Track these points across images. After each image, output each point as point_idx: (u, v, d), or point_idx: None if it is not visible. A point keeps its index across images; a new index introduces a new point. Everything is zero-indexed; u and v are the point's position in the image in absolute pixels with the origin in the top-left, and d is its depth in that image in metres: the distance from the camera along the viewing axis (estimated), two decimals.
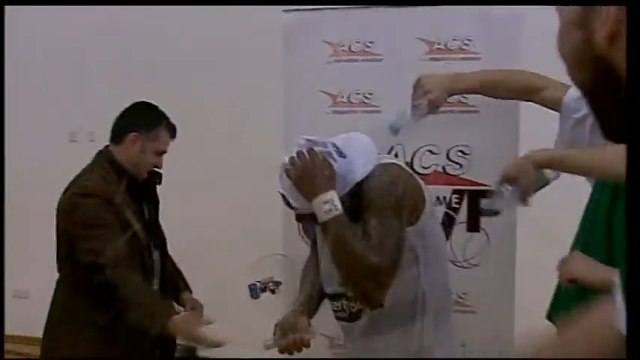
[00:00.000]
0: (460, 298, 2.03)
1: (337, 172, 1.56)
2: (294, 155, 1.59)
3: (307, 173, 1.54)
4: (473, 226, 2.07)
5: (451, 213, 2.08)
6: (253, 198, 3.83)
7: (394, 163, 1.69)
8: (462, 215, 2.08)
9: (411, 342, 1.65)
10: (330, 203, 1.52)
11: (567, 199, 3.47)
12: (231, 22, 4.01)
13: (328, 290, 1.75)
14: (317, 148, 1.59)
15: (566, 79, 0.67)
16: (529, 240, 2.74)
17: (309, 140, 1.62)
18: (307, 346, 1.73)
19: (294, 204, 1.61)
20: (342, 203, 1.55)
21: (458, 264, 2.05)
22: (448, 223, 2.07)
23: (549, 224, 3.31)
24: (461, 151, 2.07)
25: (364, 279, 1.53)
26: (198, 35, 4.17)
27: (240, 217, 4.03)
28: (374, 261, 1.49)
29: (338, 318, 1.75)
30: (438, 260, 1.71)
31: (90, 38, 4.49)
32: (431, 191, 1.79)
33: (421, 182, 1.71)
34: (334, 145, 1.61)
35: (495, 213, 1.78)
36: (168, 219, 3.37)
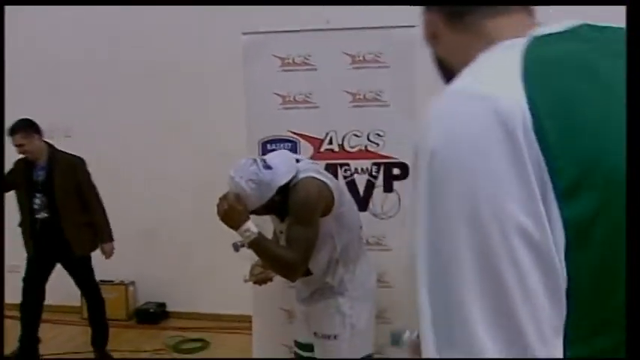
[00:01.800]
0: (380, 240, 2.77)
1: (264, 180, 2.12)
2: (223, 199, 2.17)
3: (227, 214, 2.16)
4: (388, 188, 2.79)
5: (372, 179, 2.79)
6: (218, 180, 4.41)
7: (310, 177, 2.22)
8: (380, 181, 2.79)
9: (333, 280, 2.31)
10: (248, 231, 2.15)
11: None
12: (200, 38, 4.52)
13: None
14: (251, 167, 2.13)
15: None
16: None
17: (237, 171, 2.14)
18: (271, 280, 2.44)
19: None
20: (273, 201, 2.16)
21: (378, 216, 2.78)
22: (370, 186, 2.78)
23: None
24: (378, 134, 2.77)
25: (284, 270, 2.22)
26: (172, 43, 4.62)
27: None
28: (289, 258, 2.16)
29: None
30: (351, 230, 2.34)
31: (63, 38, 4.82)
32: (340, 185, 2.38)
33: (331, 184, 2.26)
34: (262, 160, 2.19)
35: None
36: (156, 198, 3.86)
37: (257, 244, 2.17)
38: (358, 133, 2.79)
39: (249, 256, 2.44)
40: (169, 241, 4.93)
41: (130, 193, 4.92)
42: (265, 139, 2.85)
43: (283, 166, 2.20)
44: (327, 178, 2.31)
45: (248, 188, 2.11)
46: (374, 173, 2.79)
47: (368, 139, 2.78)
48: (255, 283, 2.44)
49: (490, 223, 0.63)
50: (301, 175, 2.21)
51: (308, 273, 2.33)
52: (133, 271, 5.00)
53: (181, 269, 4.88)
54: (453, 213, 0.64)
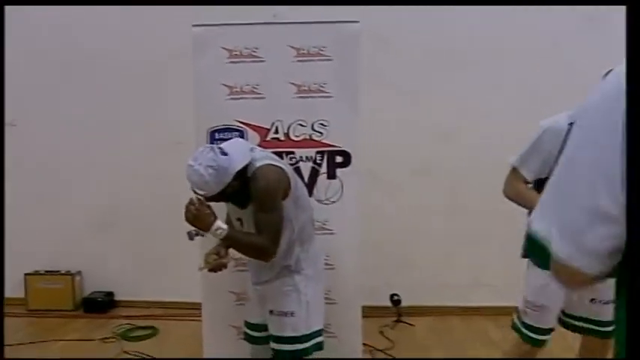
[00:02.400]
0: (324, 224, 2.92)
1: (222, 165, 2.24)
2: (189, 204, 2.30)
3: (196, 217, 2.30)
4: (331, 175, 2.95)
5: (316, 167, 2.94)
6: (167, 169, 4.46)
7: (268, 164, 2.33)
8: (324, 168, 2.94)
9: (291, 259, 2.47)
10: (219, 229, 2.31)
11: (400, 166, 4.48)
12: (151, 29, 4.55)
13: None
14: (209, 154, 2.25)
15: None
16: (368, 185, 3.68)
17: (195, 159, 2.24)
18: (225, 267, 2.56)
19: (201, 193, 2.33)
20: (231, 187, 2.27)
21: (322, 201, 2.94)
22: (314, 174, 2.93)
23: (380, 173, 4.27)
24: (321, 124, 2.92)
25: (259, 255, 2.38)
26: (123, 33, 4.63)
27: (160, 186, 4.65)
28: (262, 244, 2.33)
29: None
30: (305, 211, 2.51)
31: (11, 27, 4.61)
32: (293, 172, 2.50)
33: (287, 170, 2.42)
34: (219, 148, 2.30)
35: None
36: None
37: (230, 238, 2.35)
38: (303, 123, 2.93)
39: (201, 245, 2.54)
40: (118, 231, 4.94)
41: (79, 183, 4.93)
42: (213, 129, 2.95)
43: (238, 153, 2.32)
44: (282, 164, 2.46)
45: (207, 174, 2.22)
46: (318, 161, 2.94)
47: (312, 128, 2.93)
48: (209, 270, 2.54)
49: None
50: (259, 164, 2.34)
51: None
52: (81, 260, 5.00)
53: (130, 258, 4.92)
54: None
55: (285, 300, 2.48)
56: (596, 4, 4.21)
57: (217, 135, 2.94)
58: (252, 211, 2.35)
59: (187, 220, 2.33)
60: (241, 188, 2.33)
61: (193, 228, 2.36)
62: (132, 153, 4.80)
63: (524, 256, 2.52)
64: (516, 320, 2.66)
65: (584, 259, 0.94)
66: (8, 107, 4.76)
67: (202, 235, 2.39)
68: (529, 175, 2.25)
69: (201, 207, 2.30)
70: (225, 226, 2.33)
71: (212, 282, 2.84)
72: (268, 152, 2.55)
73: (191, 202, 2.31)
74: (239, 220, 2.49)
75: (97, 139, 4.88)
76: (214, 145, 2.30)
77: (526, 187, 2.23)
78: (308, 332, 2.49)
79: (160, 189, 4.68)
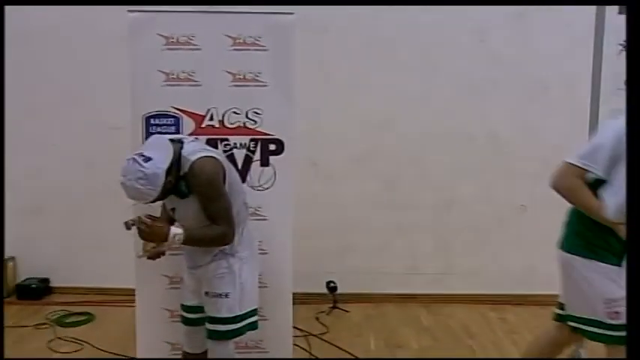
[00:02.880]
0: (257, 210, 3.00)
1: (149, 172, 2.27)
2: (140, 223, 2.39)
3: (151, 234, 2.41)
4: (264, 162, 3.02)
5: (250, 154, 3.00)
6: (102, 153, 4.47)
7: (204, 157, 2.43)
8: (257, 155, 3.01)
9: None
10: (176, 235, 2.41)
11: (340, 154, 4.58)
12: (87, 13, 4.51)
13: None
14: (133, 166, 2.27)
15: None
16: (306, 173, 3.74)
17: (124, 176, 2.30)
18: (164, 254, 2.62)
19: (143, 203, 2.41)
20: (169, 183, 2.34)
21: (255, 188, 3.01)
22: (248, 161, 2.99)
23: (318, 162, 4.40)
24: (256, 112, 2.99)
25: (221, 243, 2.49)
26: (61, 17, 4.59)
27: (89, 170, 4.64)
28: (221, 232, 2.44)
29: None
30: (239, 195, 2.61)
31: None
32: (225, 158, 2.60)
33: (220, 158, 2.51)
34: (140, 155, 2.32)
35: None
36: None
37: (189, 239, 2.45)
38: (238, 111, 2.99)
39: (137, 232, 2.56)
40: (53, 215, 4.90)
41: (12, 166, 4.81)
42: (149, 114, 2.97)
43: (161, 151, 2.38)
44: (214, 153, 2.55)
45: (140, 186, 2.29)
46: (252, 148, 3.01)
47: (247, 116, 2.99)
48: (148, 258, 2.60)
49: None
50: (193, 157, 2.42)
51: None
52: (15, 246, 4.90)
53: (65, 244, 4.88)
54: None
55: (220, 282, 2.57)
56: (597, 4, 4.41)
57: (153, 120, 2.97)
58: (198, 204, 2.43)
59: (143, 238, 2.44)
60: (177, 181, 2.41)
61: (130, 218, 2.43)
62: (67, 135, 4.77)
63: (569, 251, 2.45)
64: (599, 330, 2.40)
65: None
66: None
67: (182, 244, 2.48)
68: (599, 172, 2.25)
69: (151, 222, 2.40)
70: (180, 230, 2.43)
71: (146, 267, 2.87)
72: (198, 142, 2.62)
73: (140, 222, 2.39)
74: (172, 209, 2.56)
75: (30, 120, 4.80)
76: (135, 155, 2.34)
77: (582, 183, 2.30)
78: (242, 312, 2.59)
79: (94, 173, 4.67)
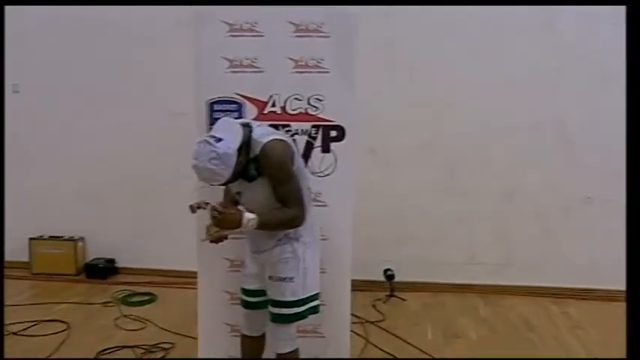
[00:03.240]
0: (317, 197, 2.99)
1: (222, 152, 2.30)
2: (213, 210, 2.41)
3: (224, 220, 2.41)
4: (325, 149, 3.01)
5: (311, 140, 2.99)
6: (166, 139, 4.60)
7: (274, 140, 2.43)
8: (318, 142, 3.00)
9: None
10: (250, 221, 2.41)
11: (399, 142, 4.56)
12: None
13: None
14: (206, 147, 2.29)
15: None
16: (366, 161, 3.73)
17: (196, 158, 2.30)
18: (226, 238, 2.63)
19: (216, 184, 2.42)
20: (240, 164, 2.34)
21: (316, 174, 2.99)
22: (309, 147, 2.99)
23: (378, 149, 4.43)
24: (317, 99, 2.97)
25: (293, 225, 2.51)
26: (124, 6, 4.71)
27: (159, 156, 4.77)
28: (293, 215, 2.47)
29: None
30: (304, 180, 2.61)
31: None
32: (292, 143, 2.60)
33: (289, 140, 2.53)
34: (211, 137, 2.34)
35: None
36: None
37: (263, 224, 2.46)
38: (299, 97, 2.98)
39: (200, 215, 2.58)
40: (120, 199, 5.04)
41: (81, 150, 5.02)
42: (213, 100, 2.99)
43: (231, 132, 2.40)
44: (284, 136, 2.59)
45: (214, 166, 2.31)
46: (313, 135, 3.00)
47: (308, 102, 2.98)
48: (211, 242, 2.61)
49: None
50: (264, 140, 2.44)
51: None
52: (83, 227, 5.13)
53: (132, 226, 5.02)
54: None
55: (284, 266, 2.59)
56: (596, 4, 4.28)
57: (216, 106, 2.99)
58: (266, 187, 2.46)
59: (218, 226, 2.46)
60: (246, 164, 2.44)
61: (195, 201, 2.46)
62: (134, 121, 4.89)
63: None
64: None
65: None
66: (13, 73, 4.89)
67: (205, 208, 2.48)
68: None
69: (224, 210, 2.42)
70: (253, 216, 2.43)
71: (207, 250, 2.92)
72: (266, 126, 2.63)
73: (213, 209, 2.42)
74: (238, 193, 2.58)
75: (99, 107, 4.97)
76: (206, 136, 2.37)
77: None
78: (305, 296, 2.62)
79: (158, 158, 4.79)
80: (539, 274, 4.71)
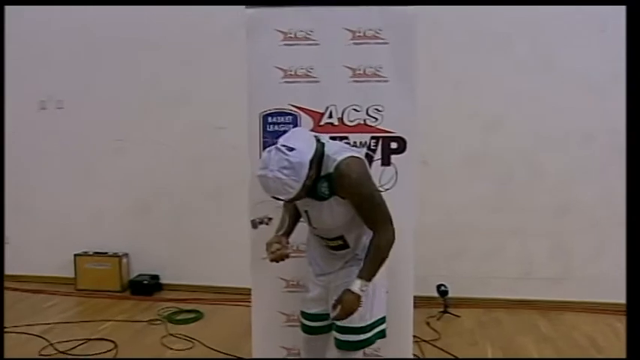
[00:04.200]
0: None
1: (295, 161, 2.11)
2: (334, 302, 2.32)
3: (350, 307, 2.28)
4: (385, 161, 2.85)
5: (370, 153, 2.83)
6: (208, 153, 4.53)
7: (350, 157, 2.23)
8: (378, 154, 2.84)
9: (358, 249, 2.42)
10: (362, 288, 2.27)
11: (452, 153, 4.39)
12: (203, 10, 4.52)
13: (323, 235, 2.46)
14: (277, 155, 2.11)
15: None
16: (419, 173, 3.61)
17: (265, 167, 2.12)
18: (288, 257, 2.45)
19: (283, 198, 2.22)
20: (309, 178, 2.15)
21: None
22: (368, 160, 2.79)
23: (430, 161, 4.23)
24: (376, 109, 2.82)
25: (392, 244, 2.31)
26: (176, 14, 4.63)
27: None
28: (386, 239, 2.28)
29: (330, 247, 2.47)
30: None
31: (57, 8, 4.79)
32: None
33: (363, 157, 2.36)
34: (283, 145, 2.16)
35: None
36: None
37: (371, 275, 2.30)
38: (357, 108, 2.83)
39: (251, 232, 2.48)
40: (163, 214, 4.97)
41: (125, 165, 4.98)
42: (266, 112, 2.88)
43: (304, 142, 2.21)
44: (358, 153, 2.40)
45: (285, 176, 2.11)
46: (372, 147, 2.84)
47: (367, 113, 2.83)
48: (272, 261, 2.45)
49: None
50: (339, 157, 2.24)
51: (343, 247, 2.43)
52: (127, 243, 5.06)
53: (175, 242, 4.95)
54: None
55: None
56: (597, 4, 4.13)
57: (270, 119, 2.87)
58: (337, 207, 2.28)
59: (344, 318, 2.33)
60: (316, 181, 2.25)
61: (257, 216, 2.31)
62: (175, 135, 4.84)
63: None
64: None
65: None
66: (57, 88, 4.84)
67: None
68: None
69: (345, 303, 2.29)
70: (359, 282, 2.28)
71: (262, 268, 2.78)
72: (338, 142, 2.47)
73: (339, 302, 2.30)
74: (306, 212, 2.41)
75: (141, 120, 4.91)
76: (277, 145, 2.18)
77: None
78: (372, 321, 2.44)
79: (200, 172, 4.74)
80: (600, 289, 4.45)
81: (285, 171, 2.10)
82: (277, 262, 2.43)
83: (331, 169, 2.23)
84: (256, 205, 2.43)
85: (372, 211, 2.28)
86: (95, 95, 4.96)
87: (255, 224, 2.33)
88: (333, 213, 2.31)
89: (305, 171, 2.14)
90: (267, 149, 2.18)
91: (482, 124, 4.47)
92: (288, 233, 2.51)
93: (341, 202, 2.28)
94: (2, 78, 4.16)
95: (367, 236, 2.39)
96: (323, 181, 2.25)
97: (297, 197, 2.22)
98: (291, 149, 2.13)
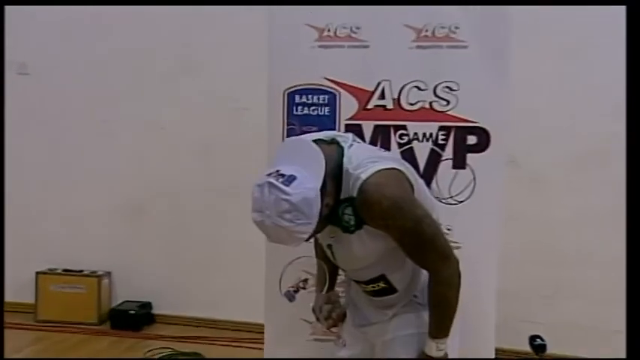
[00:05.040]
0: (446, 233, 2.64)
1: (297, 200, 1.94)
2: None
3: None
4: (459, 162, 2.72)
5: (437, 150, 2.71)
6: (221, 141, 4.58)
7: (379, 172, 2.07)
8: (448, 152, 2.72)
9: (416, 290, 2.30)
10: (439, 348, 2.20)
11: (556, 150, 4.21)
12: None
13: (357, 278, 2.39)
14: (272, 195, 1.96)
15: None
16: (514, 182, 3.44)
17: (260, 213, 2.01)
18: (345, 316, 2.45)
19: (296, 244, 2.12)
20: (325, 208, 2.03)
21: (444, 200, 2.70)
22: (434, 160, 2.72)
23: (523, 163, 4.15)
24: (448, 87, 2.69)
25: (458, 280, 2.19)
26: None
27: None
28: (449, 272, 2.15)
29: (370, 293, 2.37)
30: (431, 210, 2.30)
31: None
32: (410, 167, 2.30)
33: (402, 167, 2.19)
34: (278, 174, 1.98)
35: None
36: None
37: (446, 329, 2.24)
38: (422, 85, 2.73)
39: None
40: (161, 219, 4.99)
41: (111, 154, 5.02)
42: (292, 89, 2.84)
43: (305, 166, 2.05)
44: (392, 159, 2.25)
45: (288, 222, 1.97)
46: (440, 141, 2.75)
47: (434, 93, 2.73)
48: (329, 328, 2.49)
49: None
50: (365, 175, 2.08)
51: (389, 292, 2.33)
52: (111, 258, 5.07)
53: (175, 257, 4.95)
54: None
55: (406, 347, 2.32)
56: (597, 4, 4.07)
57: (298, 98, 2.84)
58: (369, 238, 2.16)
59: None
60: (337, 203, 2.12)
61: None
62: (177, 116, 4.87)
63: None
64: None
65: None
66: (18, 46, 4.94)
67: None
68: None
69: None
70: (433, 344, 2.22)
71: (278, 303, 2.64)
72: (363, 145, 2.34)
73: None
74: (329, 247, 2.31)
75: (133, 96, 4.98)
76: (269, 178, 2.01)
77: None
78: None
79: (211, 165, 4.79)
80: None
81: (286, 215, 1.96)
82: (335, 326, 2.47)
83: (354, 193, 2.07)
84: (286, 268, 2.38)
85: (421, 249, 2.13)
86: (71, 59, 5.01)
87: (291, 297, 2.31)
88: (366, 247, 2.17)
89: (315, 207, 1.99)
90: (257, 183, 2.03)
91: (603, 110, 4.30)
92: (332, 284, 2.51)
93: (375, 233, 2.13)
94: (2, 78, 4.39)
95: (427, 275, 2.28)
96: (345, 207, 2.10)
97: (315, 233, 2.12)
98: (289, 180, 1.98)
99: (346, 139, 2.21)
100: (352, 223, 2.11)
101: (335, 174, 2.08)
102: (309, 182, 1.98)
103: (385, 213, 2.05)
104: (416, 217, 2.10)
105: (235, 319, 4.75)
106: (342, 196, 2.10)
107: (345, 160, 2.11)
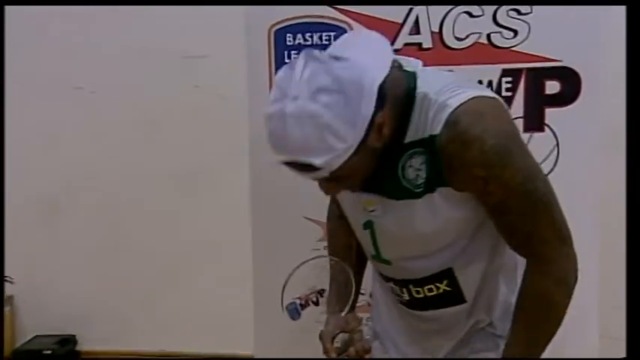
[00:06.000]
0: None
1: (345, 76, 1.79)
2: None
3: None
4: (533, 122, 2.68)
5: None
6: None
7: (477, 98, 1.93)
8: (518, 105, 2.67)
9: (491, 309, 2.24)
10: None
11: None
12: None
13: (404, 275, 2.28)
14: (310, 67, 1.83)
15: None
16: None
17: (285, 90, 1.85)
18: (370, 348, 2.28)
19: (320, 171, 1.90)
20: (377, 126, 1.86)
21: None
22: None
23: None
24: (515, 10, 2.64)
25: (574, 281, 2.04)
26: None
27: None
28: (565, 266, 2.01)
29: (420, 303, 2.29)
30: None
31: None
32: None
33: (505, 105, 2.08)
34: (331, 55, 1.88)
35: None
36: None
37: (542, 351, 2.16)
38: (473, 11, 2.72)
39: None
40: (86, 219, 5.02)
41: (16, 133, 4.94)
42: (280, 24, 2.88)
43: (365, 52, 1.92)
44: (489, 91, 2.19)
45: (324, 109, 1.77)
46: (505, 92, 2.75)
47: (494, 21, 2.71)
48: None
49: None
50: (454, 101, 1.91)
51: (451, 301, 2.27)
52: (14, 276, 5.04)
53: (106, 274, 4.98)
54: None
55: None
56: (597, 4, 3.94)
57: (289, 38, 2.87)
58: (476, 209, 2.03)
59: None
60: (400, 149, 1.97)
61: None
62: (107, 72, 4.86)
63: None
64: None
65: None
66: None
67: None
68: None
69: None
70: None
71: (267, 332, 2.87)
72: (445, 72, 2.24)
73: None
74: (369, 225, 2.18)
75: (44, 45, 4.94)
76: (312, 50, 1.90)
77: None
78: None
79: (161, 143, 4.82)
80: None
81: (323, 97, 1.77)
82: (363, 356, 2.30)
83: (436, 129, 1.91)
84: (290, 278, 2.26)
85: (531, 218, 1.98)
86: None
87: (294, 312, 2.25)
88: (437, 220, 2.03)
89: (370, 107, 1.81)
90: (291, 60, 1.91)
91: None
92: (356, 300, 2.38)
93: (455, 200, 2.00)
94: (2, 78, 4.50)
95: (510, 285, 2.20)
96: (414, 155, 1.96)
97: (346, 178, 1.94)
98: (338, 59, 1.83)
99: (415, 63, 2.06)
100: (421, 181, 1.97)
101: (400, 102, 1.92)
102: (366, 70, 1.82)
103: (487, 158, 1.88)
104: (529, 168, 1.96)
105: (199, 351, 4.78)
106: (409, 138, 1.94)
107: (419, 82, 1.95)
